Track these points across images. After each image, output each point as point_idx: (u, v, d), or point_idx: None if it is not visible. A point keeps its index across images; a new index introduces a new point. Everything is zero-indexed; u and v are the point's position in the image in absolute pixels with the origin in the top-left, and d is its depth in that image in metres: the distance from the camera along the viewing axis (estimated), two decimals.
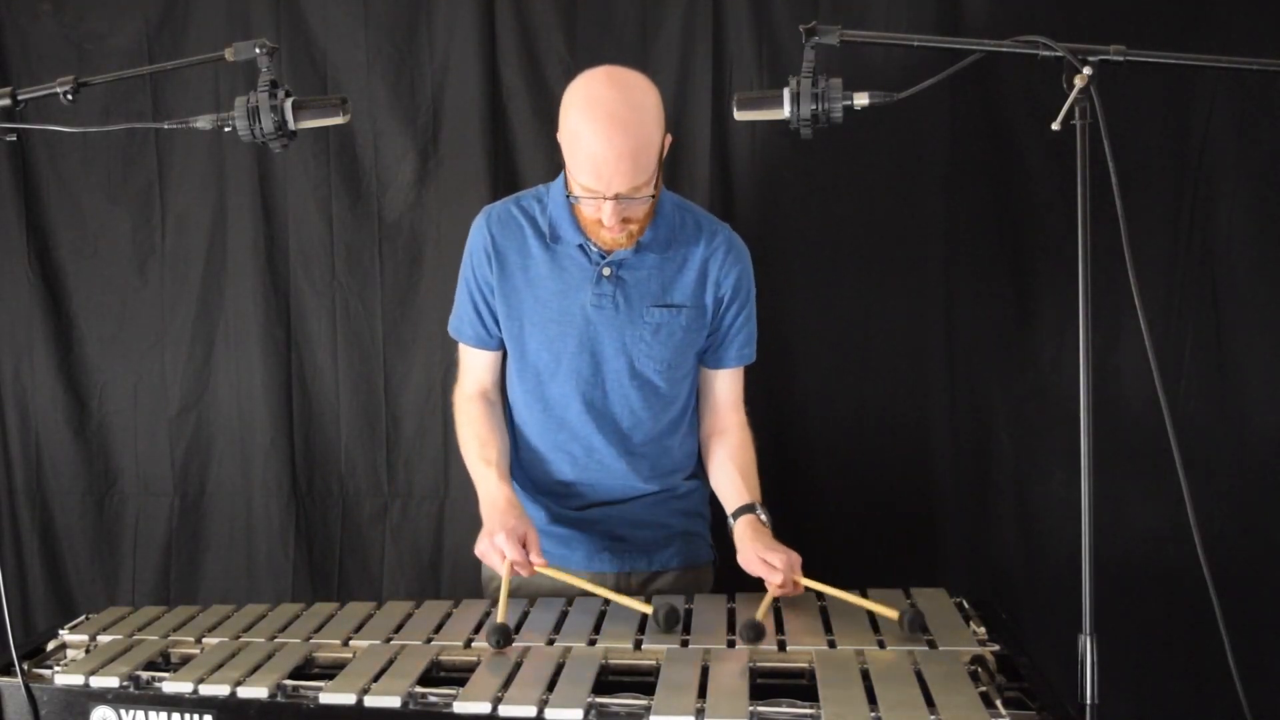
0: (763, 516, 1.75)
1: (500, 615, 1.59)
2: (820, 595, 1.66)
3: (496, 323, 1.84)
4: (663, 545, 1.89)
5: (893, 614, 1.53)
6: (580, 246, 1.77)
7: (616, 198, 1.61)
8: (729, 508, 1.80)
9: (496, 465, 1.79)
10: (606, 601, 1.70)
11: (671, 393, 1.83)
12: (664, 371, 1.80)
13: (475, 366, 1.90)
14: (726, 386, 1.89)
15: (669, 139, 1.69)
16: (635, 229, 1.71)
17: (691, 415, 1.92)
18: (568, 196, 1.68)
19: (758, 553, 1.65)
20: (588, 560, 1.88)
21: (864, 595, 1.64)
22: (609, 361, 1.79)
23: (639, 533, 1.88)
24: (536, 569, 1.67)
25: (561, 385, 1.81)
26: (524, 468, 1.91)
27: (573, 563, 1.87)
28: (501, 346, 1.87)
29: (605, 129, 1.57)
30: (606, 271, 1.76)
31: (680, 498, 1.91)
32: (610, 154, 1.57)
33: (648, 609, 1.60)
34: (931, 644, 1.47)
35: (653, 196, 1.66)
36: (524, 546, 1.65)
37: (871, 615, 1.58)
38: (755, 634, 1.51)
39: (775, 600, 1.64)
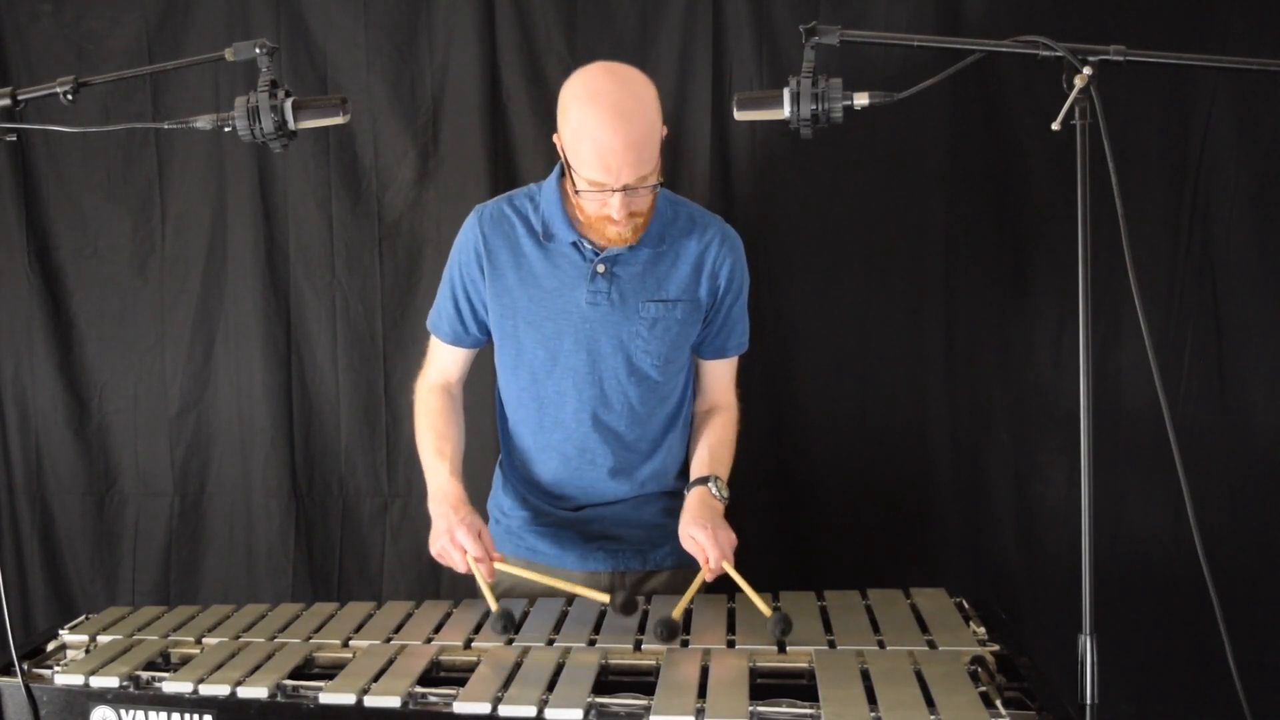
0: (714, 489, 1.74)
1: (494, 605, 1.62)
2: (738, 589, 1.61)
3: (476, 322, 1.86)
4: (656, 544, 1.89)
5: (766, 612, 1.54)
6: (574, 244, 1.77)
7: (625, 189, 1.61)
8: (689, 480, 1.81)
9: (450, 460, 1.81)
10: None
11: (667, 386, 1.84)
12: (660, 366, 1.80)
13: (444, 360, 1.92)
14: (723, 374, 1.92)
15: (665, 131, 1.69)
16: (640, 221, 1.71)
17: (687, 411, 1.92)
18: (576, 192, 1.68)
19: (689, 529, 1.65)
20: (581, 560, 1.87)
21: (775, 596, 1.65)
22: (606, 358, 1.79)
23: (632, 532, 1.88)
24: (496, 566, 1.69)
25: (558, 383, 1.81)
26: (515, 468, 1.92)
27: (566, 562, 1.87)
28: (474, 346, 1.90)
29: (610, 120, 1.58)
30: (601, 268, 1.76)
31: (674, 495, 1.89)
32: (617, 144, 1.58)
33: (605, 598, 1.63)
34: (931, 644, 1.47)
35: (658, 184, 1.67)
36: (480, 540, 1.69)
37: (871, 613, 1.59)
38: (669, 632, 1.51)
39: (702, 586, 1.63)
